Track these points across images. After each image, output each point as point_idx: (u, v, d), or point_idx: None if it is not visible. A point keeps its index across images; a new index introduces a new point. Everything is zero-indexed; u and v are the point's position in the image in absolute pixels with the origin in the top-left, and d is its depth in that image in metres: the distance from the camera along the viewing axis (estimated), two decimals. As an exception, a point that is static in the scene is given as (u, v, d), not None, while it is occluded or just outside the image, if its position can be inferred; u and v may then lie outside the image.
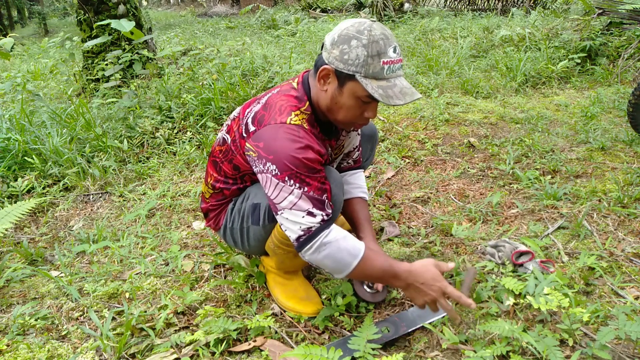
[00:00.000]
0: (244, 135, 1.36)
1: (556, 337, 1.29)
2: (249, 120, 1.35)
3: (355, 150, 1.69)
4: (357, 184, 1.69)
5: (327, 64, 1.25)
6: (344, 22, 1.27)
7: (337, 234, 1.27)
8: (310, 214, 1.24)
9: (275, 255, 1.51)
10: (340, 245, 1.25)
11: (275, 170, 1.24)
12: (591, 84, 4.19)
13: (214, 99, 3.34)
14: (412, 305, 1.53)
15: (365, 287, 1.53)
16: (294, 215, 1.25)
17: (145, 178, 2.73)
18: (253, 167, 1.33)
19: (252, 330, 1.44)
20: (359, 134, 1.68)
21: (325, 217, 1.26)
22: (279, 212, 1.28)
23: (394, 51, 1.22)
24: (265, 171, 1.27)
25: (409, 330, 1.40)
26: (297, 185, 1.23)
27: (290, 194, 1.24)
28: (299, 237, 1.25)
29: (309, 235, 1.25)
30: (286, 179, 1.23)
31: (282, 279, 1.59)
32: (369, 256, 1.29)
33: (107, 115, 3.34)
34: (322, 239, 1.25)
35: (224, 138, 1.50)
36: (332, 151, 1.52)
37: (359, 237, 1.61)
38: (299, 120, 1.29)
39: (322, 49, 1.29)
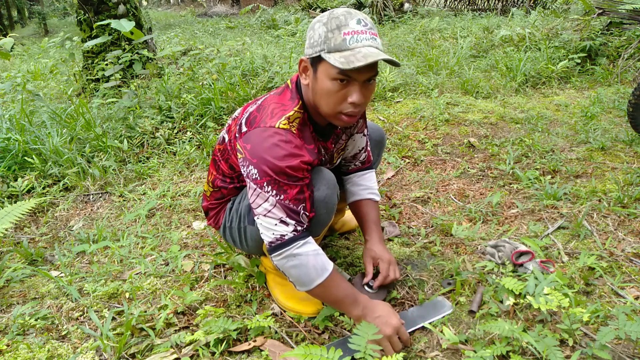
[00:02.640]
0: (237, 135, 1.37)
1: (556, 337, 1.29)
2: (244, 121, 1.36)
3: (362, 151, 1.67)
4: (366, 185, 1.68)
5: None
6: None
7: (309, 248, 1.28)
8: (283, 222, 1.26)
9: None
10: (310, 261, 1.27)
11: (255, 174, 1.25)
12: (591, 84, 4.19)
13: (214, 99, 3.34)
14: (412, 305, 1.53)
15: (365, 287, 1.54)
16: (267, 222, 1.27)
17: (145, 178, 2.73)
18: (241, 169, 1.34)
19: (252, 330, 1.44)
20: (365, 135, 1.66)
21: (299, 227, 1.27)
22: (255, 217, 1.31)
23: (358, 23, 1.17)
24: (247, 174, 1.29)
25: (409, 331, 1.40)
26: (274, 192, 1.24)
27: (265, 201, 1.26)
28: (271, 242, 1.28)
29: (281, 242, 1.27)
30: (264, 184, 1.24)
31: (281, 279, 1.59)
32: (334, 278, 1.31)
33: (107, 115, 3.34)
34: (292, 250, 1.26)
35: (223, 137, 1.50)
36: (327, 154, 1.51)
37: (365, 239, 1.61)
38: (288, 124, 1.28)
39: None
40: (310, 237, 1.31)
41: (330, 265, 1.31)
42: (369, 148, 1.71)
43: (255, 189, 1.27)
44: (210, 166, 1.60)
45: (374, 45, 1.18)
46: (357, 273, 1.67)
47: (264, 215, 1.27)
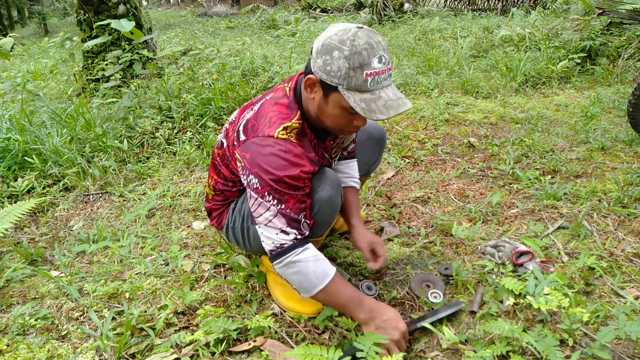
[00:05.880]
0: (235, 143, 1.36)
1: (556, 337, 1.29)
2: (241, 128, 1.35)
3: (351, 142, 1.70)
4: (349, 173, 1.71)
5: (312, 73, 1.23)
6: (330, 27, 1.23)
7: (309, 254, 1.28)
8: (283, 232, 1.27)
9: None
10: (310, 267, 1.27)
11: (256, 184, 1.26)
12: (591, 84, 4.19)
13: (214, 99, 3.34)
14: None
15: (365, 290, 1.53)
16: (268, 232, 1.28)
17: (145, 178, 2.73)
18: (240, 176, 1.35)
19: (252, 330, 1.44)
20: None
21: (299, 236, 1.28)
22: (256, 225, 1.32)
23: (380, 61, 1.15)
24: (248, 183, 1.29)
25: (421, 325, 1.38)
26: (275, 202, 1.25)
27: (267, 210, 1.26)
28: (272, 250, 1.29)
29: (281, 250, 1.28)
30: (265, 194, 1.25)
31: (281, 279, 1.59)
32: (336, 283, 1.30)
33: (107, 115, 3.34)
34: (292, 257, 1.27)
35: (222, 142, 1.50)
36: (329, 153, 1.52)
37: (349, 224, 1.62)
38: (287, 134, 1.28)
39: (311, 53, 1.27)
40: (310, 244, 1.31)
41: (331, 270, 1.31)
42: (356, 140, 1.74)
43: (257, 199, 1.27)
44: (210, 169, 1.59)
45: (390, 84, 1.22)
46: (361, 280, 1.64)
47: (265, 225, 1.28)
